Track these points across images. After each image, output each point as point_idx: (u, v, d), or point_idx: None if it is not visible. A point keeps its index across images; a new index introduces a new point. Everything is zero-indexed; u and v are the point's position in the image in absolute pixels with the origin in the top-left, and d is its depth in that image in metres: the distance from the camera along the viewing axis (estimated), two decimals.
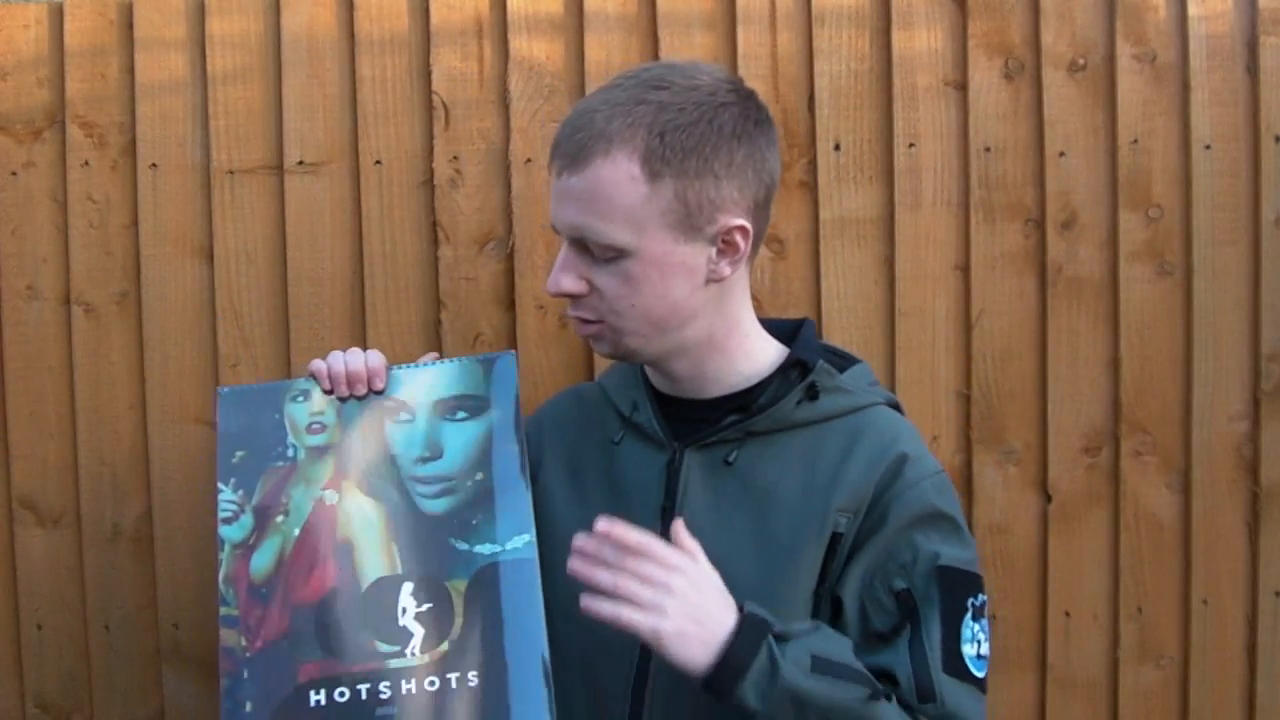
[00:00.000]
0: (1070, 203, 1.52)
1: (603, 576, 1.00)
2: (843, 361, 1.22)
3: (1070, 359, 1.53)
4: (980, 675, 1.12)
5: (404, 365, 1.24)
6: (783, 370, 1.18)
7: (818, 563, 1.12)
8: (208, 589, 1.59)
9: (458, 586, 1.12)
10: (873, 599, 1.11)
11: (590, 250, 1.10)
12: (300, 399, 1.22)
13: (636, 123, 1.07)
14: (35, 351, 1.59)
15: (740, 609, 1.03)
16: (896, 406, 1.23)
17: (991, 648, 1.48)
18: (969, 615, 1.12)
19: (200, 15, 1.55)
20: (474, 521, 1.15)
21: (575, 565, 1.01)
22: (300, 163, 1.55)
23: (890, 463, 1.12)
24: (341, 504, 1.16)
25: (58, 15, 1.57)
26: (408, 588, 1.13)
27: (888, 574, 1.11)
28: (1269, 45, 1.50)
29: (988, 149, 1.52)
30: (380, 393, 1.22)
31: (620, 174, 1.06)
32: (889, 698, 1.05)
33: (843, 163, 1.53)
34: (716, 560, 1.11)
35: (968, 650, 1.11)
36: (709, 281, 1.12)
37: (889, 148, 1.53)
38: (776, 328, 1.24)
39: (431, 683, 1.09)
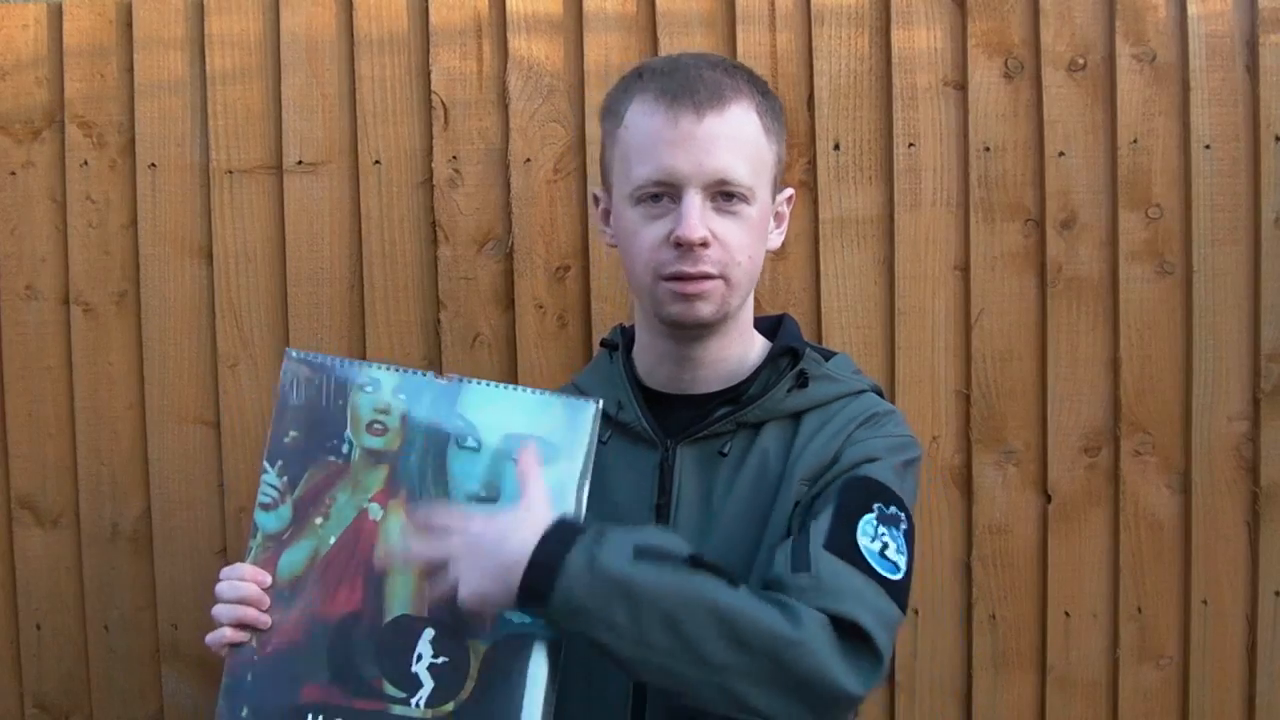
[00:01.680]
0: (1070, 203, 1.52)
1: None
2: (826, 352, 1.23)
3: (1070, 359, 1.53)
4: (886, 575, 1.02)
5: (486, 383, 1.12)
6: (772, 359, 1.19)
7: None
8: (207, 589, 1.58)
9: (478, 648, 1.06)
10: (794, 514, 1.10)
11: (720, 195, 1.09)
12: (369, 389, 1.12)
13: (744, 80, 1.12)
14: (34, 351, 1.59)
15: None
16: (880, 393, 1.24)
17: (980, 621, 1.49)
18: (872, 515, 1.05)
19: (200, 15, 1.55)
20: None
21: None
22: (299, 162, 1.55)
23: (857, 425, 1.13)
24: (385, 523, 1.09)
25: (57, 15, 1.56)
26: (428, 634, 1.07)
27: (813, 493, 1.10)
28: (1269, 45, 1.50)
29: (987, 149, 1.52)
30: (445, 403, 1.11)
31: (752, 120, 1.11)
32: (734, 583, 0.99)
33: (842, 163, 1.53)
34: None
35: (865, 542, 1.03)
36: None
37: (889, 148, 1.53)
38: (757, 324, 1.25)
39: None
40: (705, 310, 1.11)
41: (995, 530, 1.54)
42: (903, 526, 1.07)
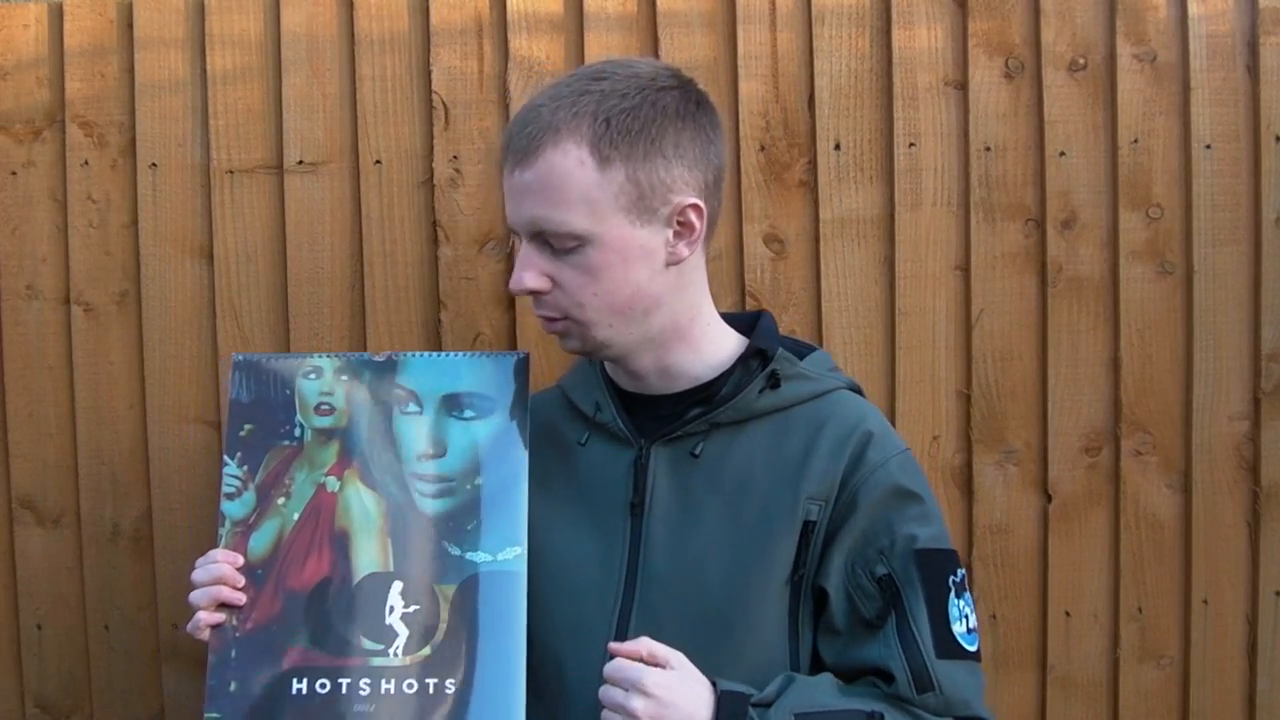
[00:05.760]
0: (1070, 202, 1.52)
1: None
2: (802, 349, 1.23)
3: (1070, 359, 1.53)
4: (973, 649, 1.13)
5: (419, 353, 1.25)
6: (743, 360, 1.19)
7: (791, 551, 1.13)
8: None
9: (446, 591, 1.13)
10: (856, 586, 1.13)
11: (550, 244, 1.11)
12: (312, 375, 1.23)
13: (581, 111, 1.09)
14: (35, 351, 1.59)
15: (715, 691, 1.04)
16: (858, 390, 1.24)
17: (980, 621, 1.49)
18: (952, 594, 1.13)
19: (200, 15, 1.55)
20: (468, 527, 1.15)
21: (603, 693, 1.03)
22: (300, 162, 1.55)
23: (855, 446, 1.14)
24: (342, 492, 1.18)
25: (58, 15, 1.56)
26: (397, 586, 1.14)
27: (868, 560, 1.13)
28: (1269, 45, 1.50)
29: (988, 149, 1.52)
30: (389, 381, 1.21)
31: (570, 161, 1.08)
32: (881, 717, 1.07)
33: (843, 162, 1.53)
34: (689, 553, 1.13)
35: (958, 629, 1.12)
36: (669, 265, 1.13)
37: (889, 147, 1.53)
38: (734, 321, 1.26)
39: (410, 685, 1.10)
40: (571, 345, 1.17)
41: (995, 530, 1.55)
42: (965, 581, 1.15)
